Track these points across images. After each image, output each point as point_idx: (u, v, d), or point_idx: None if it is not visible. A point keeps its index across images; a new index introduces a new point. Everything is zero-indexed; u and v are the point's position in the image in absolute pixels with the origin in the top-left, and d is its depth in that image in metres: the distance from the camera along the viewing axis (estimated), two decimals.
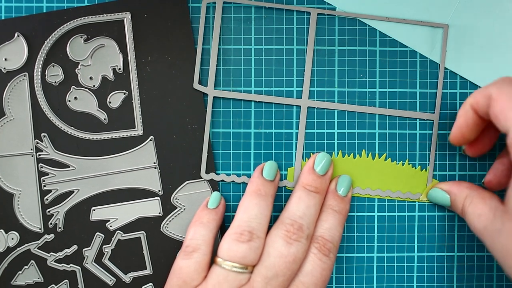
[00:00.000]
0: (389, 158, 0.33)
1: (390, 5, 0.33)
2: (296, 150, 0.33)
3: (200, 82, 0.33)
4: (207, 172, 0.33)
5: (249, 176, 0.33)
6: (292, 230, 0.29)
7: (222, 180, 0.33)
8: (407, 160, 0.33)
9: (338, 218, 0.30)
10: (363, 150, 0.33)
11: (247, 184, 0.32)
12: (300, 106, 0.33)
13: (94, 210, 0.32)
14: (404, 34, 0.33)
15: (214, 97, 0.33)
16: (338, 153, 0.33)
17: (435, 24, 0.32)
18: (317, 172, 0.31)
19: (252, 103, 0.33)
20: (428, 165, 0.33)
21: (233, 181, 0.33)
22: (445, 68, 0.33)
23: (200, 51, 0.33)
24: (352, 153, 0.33)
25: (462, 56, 0.33)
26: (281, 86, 0.33)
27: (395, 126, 0.33)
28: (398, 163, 0.33)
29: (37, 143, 0.32)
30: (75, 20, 0.32)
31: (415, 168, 0.33)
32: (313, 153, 0.33)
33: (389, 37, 0.33)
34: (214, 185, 0.33)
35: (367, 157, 0.33)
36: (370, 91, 0.33)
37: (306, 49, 0.33)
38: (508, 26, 0.33)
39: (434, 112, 0.33)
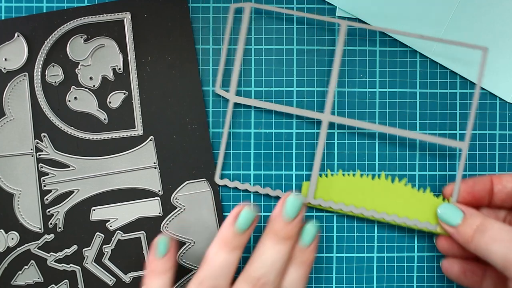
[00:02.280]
0: (410, 184, 0.32)
1: (390, 5, 0.33)
2: (313, 165, 0.33)
3: (202, 84, 0.33)
4: (221, 178, 0.32)
5: (249, 176, 0.33)
6: (258, 286, 0.27)
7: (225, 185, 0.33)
8: (428, 188, 0.32)
9: (303, 269, 0.29)
10: (383, 171, 0.32)
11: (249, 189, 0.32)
12: (320, 120, 0.32)
13: (94, 210, 0.32)
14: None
15: (213, 97, 0.33)
16: (354, 173, 0.33)
17: (475, 46, 0.31)
18: (285, 218, 0.28)
19: None
20: (451, 195, 0.31)
21: (235, 188, 0.33)
22: (445, 68, 0.33)
23: (224, 54, 0.32)
24: (370, 174, 0.32)
25: (463, 56, 0.33)
26: (281, 86, 0.33)
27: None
28: (419, 190, 0.32)
29: (37, 143, 0.32)
30: (75, 20, 0.32)
31: (437, 197, 0.31)
32: (329, 170, 0.32)
33: (389, 37, 0.33)
34: (214, 185, 0.33)
35: (386, 179, 0.32)
36: (370, 91, 0.33)
37: (333, 62, 0.33)
38: (508, 26, 0.33)
39: (463, 140, 0.31)
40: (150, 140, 0.33)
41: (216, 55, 0.33)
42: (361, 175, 0.32)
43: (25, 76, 0.32)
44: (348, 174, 0.32)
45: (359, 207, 0.32)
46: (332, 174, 0.32)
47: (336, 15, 0.33)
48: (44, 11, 0.33)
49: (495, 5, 0.33)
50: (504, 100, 0.33)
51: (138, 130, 0.33)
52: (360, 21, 0.33)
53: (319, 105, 0.33)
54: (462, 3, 0.33)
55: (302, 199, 0.29)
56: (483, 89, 0.33)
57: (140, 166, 0.33)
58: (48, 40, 0.32)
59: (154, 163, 0.33)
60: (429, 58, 0.33)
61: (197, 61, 0.33)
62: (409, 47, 0.33)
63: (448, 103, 0.33)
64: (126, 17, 0.32)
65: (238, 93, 0.33)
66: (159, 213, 0.33)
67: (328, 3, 0.33)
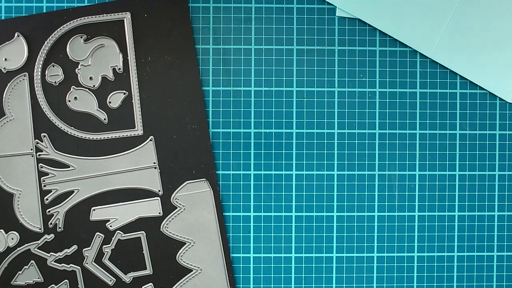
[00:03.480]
0: None
1: (390, 5, 0.33)
2: None
3: (202, 84, 0.33)
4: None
5: (249, 176, 0.33)
6: None
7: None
8: None
9: None
10: None
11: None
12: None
13: (94, 210, 0.32)
14: (405, 34, 0.33)
15: (213, 97, 0.33)
16: None
17: None
18: None
19: (252, 102, 0.33)
20: None
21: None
22: (445, 68, 0.33)
23: None
24: None
25: (462, 56, 0.33)
26: (281, 86, 0.33)
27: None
28: None
29: (37, 143, 0.32)
30: (75, 20, 0.32)
31: None
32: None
33: (389, 37, 0.33)
34: (214, 185, 0.33)
35: None
36: (370, 91, 0.33)
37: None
38: (508, 26, 0.33)
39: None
40: (150, 140, 0.33)
41: (216, 55, 0.33)
42: None
43: (25, 76, 0.32)
44: None
45: None
46: None
47: (336, 15, 0.33)
48: (44, 11, 0.33)
49: (495, 5, 0.33)
50: (504, 100, 0.33)
51: (138, 130, 0.33)
52: (360, 21, 0.33)
53: (319, 105, 0.33)
54: (462, 3, 0.33)
55: None
56: (483, 89, 0.33)
57: (140, 166, 0.33)
58: (48, 40, 0.32)
59: (154, 163, 0.33)
60: (429, 58, 0.33)
61: (197, 61, 0.33)
62: (409, 47, 0.33)
63: (448, 103, 0.33)
64: (126, 17, 0.32)
65: (238, 93, 0.33)
66: (159, 213, 0.33)
67: (328, 3, 0.33)
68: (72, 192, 0.32)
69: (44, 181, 0.32)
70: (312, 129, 0.33)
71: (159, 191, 0.33)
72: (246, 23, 0.33)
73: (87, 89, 0.32)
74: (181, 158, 0.33)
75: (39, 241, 0.32)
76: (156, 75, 0.32)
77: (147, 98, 0.32)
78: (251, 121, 0.33)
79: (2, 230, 0.32)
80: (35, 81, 0.32)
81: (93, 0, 0.33)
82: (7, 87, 0.32)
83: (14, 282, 0.32)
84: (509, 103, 0.33)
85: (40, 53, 0.32)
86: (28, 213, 0.32)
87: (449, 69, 0.33)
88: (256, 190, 0.33)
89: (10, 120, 0.32)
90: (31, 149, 0.32)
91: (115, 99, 0.32)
